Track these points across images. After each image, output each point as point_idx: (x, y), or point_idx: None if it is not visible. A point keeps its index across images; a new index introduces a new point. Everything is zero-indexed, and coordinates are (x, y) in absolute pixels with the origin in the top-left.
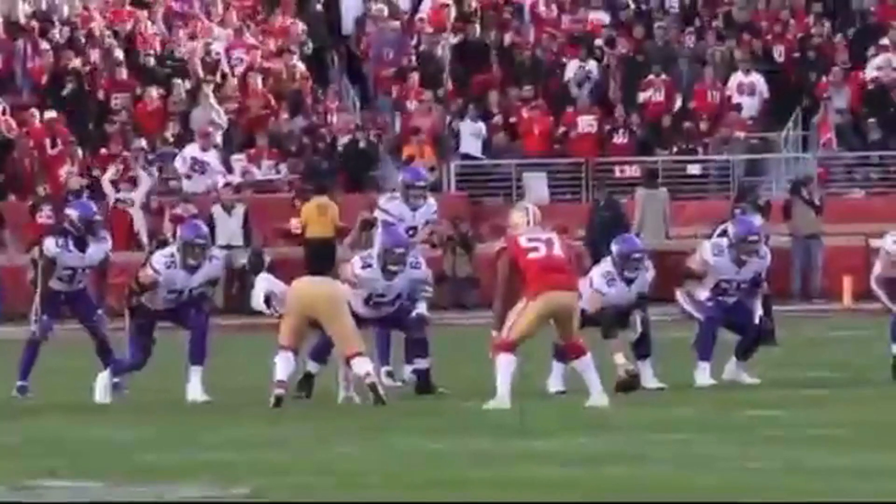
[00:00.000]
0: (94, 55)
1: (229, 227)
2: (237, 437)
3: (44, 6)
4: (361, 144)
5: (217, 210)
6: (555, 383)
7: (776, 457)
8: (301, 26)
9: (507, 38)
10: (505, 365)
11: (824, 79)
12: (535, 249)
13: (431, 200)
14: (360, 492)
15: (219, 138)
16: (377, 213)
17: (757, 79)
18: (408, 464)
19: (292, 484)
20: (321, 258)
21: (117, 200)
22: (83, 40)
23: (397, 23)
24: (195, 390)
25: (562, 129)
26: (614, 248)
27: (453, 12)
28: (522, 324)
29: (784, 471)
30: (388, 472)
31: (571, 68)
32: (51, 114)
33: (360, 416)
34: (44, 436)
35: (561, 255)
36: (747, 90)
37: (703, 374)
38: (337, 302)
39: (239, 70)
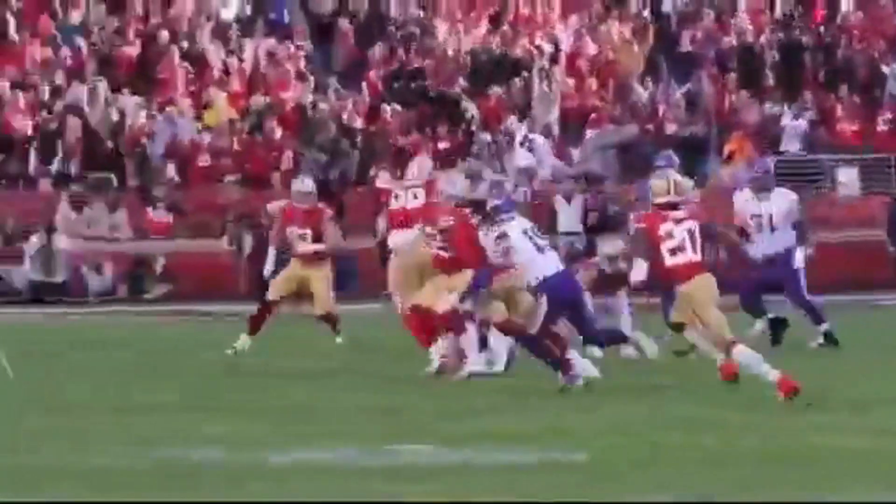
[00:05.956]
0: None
1: (569, 216)
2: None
3: (392, 11)
4: (687, 135)
5: (558, 199)
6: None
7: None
8: (632, 25)
9: (824, 39)
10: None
11: None
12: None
13: None
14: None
15: (556, 130)
16: None
17: None
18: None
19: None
20: None
21: None
22: (429, 43)
23: (717, 24)
24: None
25: (873, 125)
26: None
27: (769, 14)
28: None
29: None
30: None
31: (886, 70)
32: (398, 108)
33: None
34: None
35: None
36: None
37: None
38: None
39: (577, 65)
